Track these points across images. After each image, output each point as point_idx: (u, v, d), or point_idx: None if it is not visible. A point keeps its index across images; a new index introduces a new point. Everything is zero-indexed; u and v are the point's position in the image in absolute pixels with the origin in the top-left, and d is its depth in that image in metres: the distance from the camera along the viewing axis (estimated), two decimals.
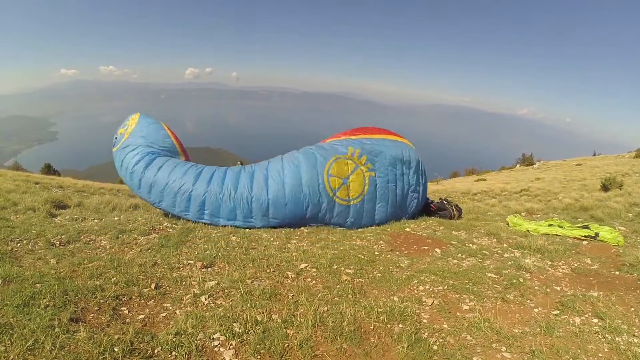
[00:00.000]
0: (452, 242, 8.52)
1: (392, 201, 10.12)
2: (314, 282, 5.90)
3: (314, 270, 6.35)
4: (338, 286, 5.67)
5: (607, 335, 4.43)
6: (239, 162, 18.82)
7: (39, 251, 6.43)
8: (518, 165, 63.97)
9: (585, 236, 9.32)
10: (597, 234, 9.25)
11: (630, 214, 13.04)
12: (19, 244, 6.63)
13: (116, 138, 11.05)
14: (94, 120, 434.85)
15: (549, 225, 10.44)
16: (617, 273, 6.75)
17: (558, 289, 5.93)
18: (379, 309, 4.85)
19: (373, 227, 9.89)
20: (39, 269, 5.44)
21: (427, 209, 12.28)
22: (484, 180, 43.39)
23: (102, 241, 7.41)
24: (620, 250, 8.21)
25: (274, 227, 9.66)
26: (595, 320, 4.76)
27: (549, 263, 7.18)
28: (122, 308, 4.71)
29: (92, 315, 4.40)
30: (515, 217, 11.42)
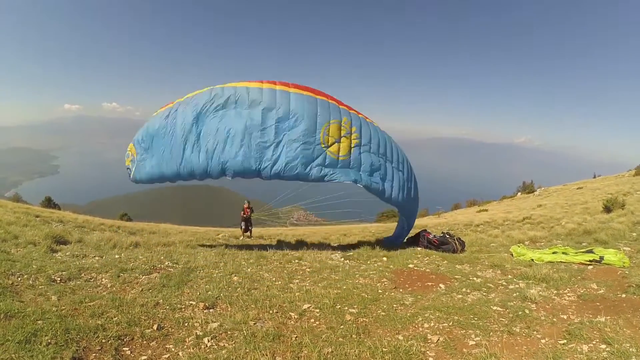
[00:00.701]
0: (456, 276, 8.49)
1: (374, 167, 11.07)
2: (317, 322, 5.82)
3: (317, 310, 6.28)
4: (342, 326, 5.59)
5: None
6: (246, 201, 19.05)
7: (40, 287, 6.38)
8: (519, 194, 63.96)
9: (590, 261, 9.29)
10: (602, 258, 9.23)
11: (634, 233, 13.02)
12: (19, 279, 6.58)
13: (129, 169, 11.97)
14: (97, 156, 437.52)
15: (553, 252, 10.42)
16: (623, 296, 6.71)
17: (565, 317, 5.89)
18: (384, 349, 4.78)
19: (376, 265, 9.85)
20: (41, 306, 5.41)
21: (416, 239, 12.47)
22: (486, 210, 43.36)
23: (103, 279, 7.34)
24: (626, 272, 8.17)
25: (272, 172, 10.22)
26: (603, 346, 4.71)
27: (555, 292, 7.14)
28: (125, 348, 4.67)
29: (94, 355, 4.37)
30: (519, 247, 11.39)
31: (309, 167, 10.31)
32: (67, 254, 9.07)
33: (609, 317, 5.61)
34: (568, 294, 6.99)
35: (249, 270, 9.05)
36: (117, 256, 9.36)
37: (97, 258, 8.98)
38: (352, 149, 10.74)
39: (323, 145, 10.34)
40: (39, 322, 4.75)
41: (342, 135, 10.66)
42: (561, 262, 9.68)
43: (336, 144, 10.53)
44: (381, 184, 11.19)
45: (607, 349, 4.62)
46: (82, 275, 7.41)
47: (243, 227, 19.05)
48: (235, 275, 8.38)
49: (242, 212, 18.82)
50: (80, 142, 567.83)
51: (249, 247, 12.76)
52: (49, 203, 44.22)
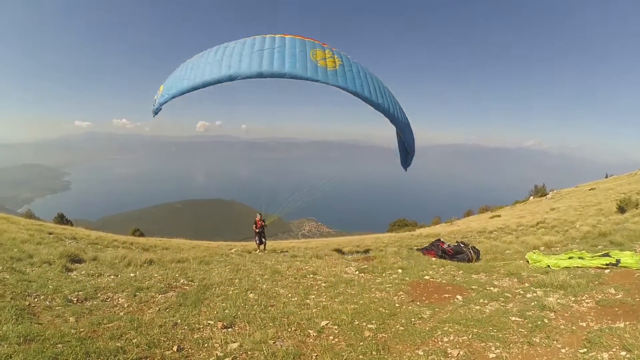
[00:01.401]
0: (473, 286, 8.39)
1: (359, 82, 12.02)
2: (336, 339, 5.79)
3: (336, 327, 6.25)
4: (361, 343, 5.55)
5: None
6: (258, 214, 18.92)
7: (57, 308, 6.42)
8: (531, 198, 63.32)
9: (607, 264, 9.10)
10: (618, 261, 9.05)
11: None
12: (36, 299, 6.61)
13: (155, 100, 12.92)
14: (107, 172, 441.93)
15: (569, 257, 10.26)
16: None
17: (584, 324, 5.78)
18: None
19: (392, 278, 9.76)
20: (59, 328, 5.43)
21: (430, 249, 12.40)
22: (499, 216, 42.98)
23: (120, 299, 7.37)
24: None
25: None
26: (624, 354, 4.61)
27: (573, 299, 6.99)
28: None
29: None
30: (535, 253, 11.25)
31: (304, 68, 11.36)
32: (82, 272, 9.11)
33: (628, 323, 5.52)
34: (586, 301, 6.85)
35: (264, 286, 9.04)
36: (132, 274, 9.40)
37: (112, 277, 9.02)
38: (338, 66, 11.80)
39: (312, 59, 11.53)
40: (59, 345, 4.77)
41: (326, 57, 11.81)
42: (577, 267, 9.52)
43: (323, 60, 11.66)
44: (371, 93, 12.15)
45: (627, 356, 4.55)
46: (99, 295, 7.46)
47: (257, 240, 18.88)
48: (251, 292, 8.39)
49: (255, 226, 18.62)
50: (90, 159, 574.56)
51: (263, 262, 12.75)
52: (61, 219, 44.42)
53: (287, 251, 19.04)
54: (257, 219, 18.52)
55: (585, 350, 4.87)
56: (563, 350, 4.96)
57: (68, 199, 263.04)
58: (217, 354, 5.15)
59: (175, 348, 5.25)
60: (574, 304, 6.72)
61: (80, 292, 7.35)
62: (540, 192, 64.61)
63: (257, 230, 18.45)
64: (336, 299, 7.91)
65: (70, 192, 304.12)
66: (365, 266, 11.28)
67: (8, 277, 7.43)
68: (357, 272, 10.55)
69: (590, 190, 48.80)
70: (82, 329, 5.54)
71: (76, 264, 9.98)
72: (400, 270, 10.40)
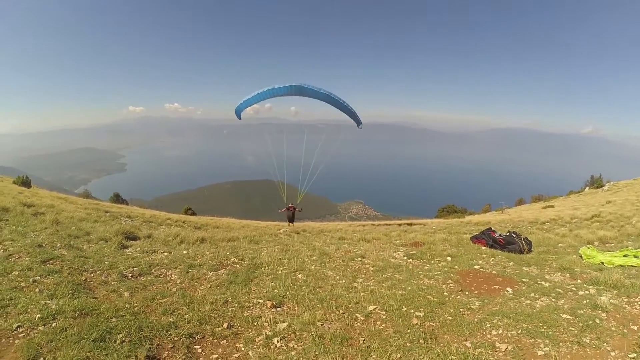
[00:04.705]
0: (524, 279, 8.13)
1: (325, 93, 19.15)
2: (384, 325, 5.77)
3: (383, 312, 6.23)
4: (409, 330, 5.50)
5: None
6: (290, 203, 23.55)
7: (112, 283, 6.71)
8: (587, 189, 60.51)
9: None
10: None
11: None
12: (92, 275, 6.92)
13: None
14: (160, 154, 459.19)
15: (624, 255, 9.80)
16: None
17: (635, 328, 5.49)
18: (452, 357, 4.66)
19: (440, 265, 9.60)
20: (114, 302, 5.69)
21: (481, 237, 12.17)
22: (552, 206, 41.46)
23: (173, 275, 7.66)
24: None
25: None
26: None
27: (626, 299, 6.65)
28: (196, 347, 4.84)
29: (166, 352, 4.56)
30: (589, 248, 10.81)
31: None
32: (137, 249, 9.51)
33: None
34: (639, 303, 6.54)
35: (312, 267, 9.15)
36: (184, 252, 9.74)
37: (165, 254, 9.37)
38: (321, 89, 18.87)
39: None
40: (113, 319, 4.97)
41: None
42: (632, 266, 9.11)
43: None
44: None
45: None
46: (153, 271, 7.77)
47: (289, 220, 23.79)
48: (299, 273, 8.51)
49: (287, 209, 23.47)
50: (144, 142, 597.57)
51: (311, 244, 12.90)
52: (117, 199, 46.46)
53: (328, 231, 19.47)
54: (290, 205, 23.09)
55: (635, 355, 4.68)
56: (612, 354, 4.77)
57: (123, 179, 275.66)
58: (266, 333, 5.26)
59: (225, 325, 5.41)
60: (626, 305, 6.41)
61: (134, 268, 7.69)
62: (596, 183, 61.56)
63: (290, 213, 23.60)
64: (384, 284, 7.88)
65: (125, 174, 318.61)
66: (414, 252, 11.14)
67: (66, 253, 7.81)
68: (406, 258, 10.46)
69: None
70: (136, 304, 5.79)
71: (131, 241, 10.42)
72: (449, 258, 10.21)
